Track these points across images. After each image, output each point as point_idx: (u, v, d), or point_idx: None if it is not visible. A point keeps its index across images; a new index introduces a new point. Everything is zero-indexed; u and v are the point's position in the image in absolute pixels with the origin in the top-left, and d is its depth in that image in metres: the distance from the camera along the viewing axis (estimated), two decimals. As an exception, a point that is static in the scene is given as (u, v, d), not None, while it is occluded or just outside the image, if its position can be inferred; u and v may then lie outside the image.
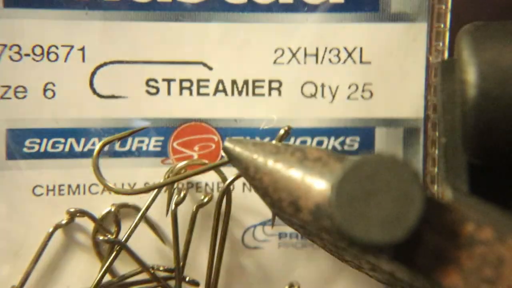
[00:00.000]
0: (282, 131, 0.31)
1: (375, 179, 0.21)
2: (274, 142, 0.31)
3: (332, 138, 0.35)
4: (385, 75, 0.34)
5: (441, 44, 0.34)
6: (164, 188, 0.34)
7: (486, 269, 0.21)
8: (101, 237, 0.33)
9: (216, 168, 0.31)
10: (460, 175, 0.26)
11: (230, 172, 0.33)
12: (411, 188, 0.21)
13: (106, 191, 0.34)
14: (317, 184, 0.24)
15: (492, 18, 0.34)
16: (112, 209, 0.33)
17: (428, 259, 0.22)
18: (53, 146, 0.33)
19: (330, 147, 0.35)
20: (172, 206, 0.33)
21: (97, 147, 0.31)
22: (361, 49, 0.34)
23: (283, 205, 0.25)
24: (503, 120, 0.24)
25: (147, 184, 0.34)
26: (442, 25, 0.34)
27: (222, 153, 0.28)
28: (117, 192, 0.31)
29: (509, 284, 0.21)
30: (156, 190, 0.33)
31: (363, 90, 0.35)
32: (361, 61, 0.34)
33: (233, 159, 0.27)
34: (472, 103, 0.25)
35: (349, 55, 0.34)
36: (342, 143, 0.35)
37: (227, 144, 0.27)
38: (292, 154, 0.25)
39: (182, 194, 0.33)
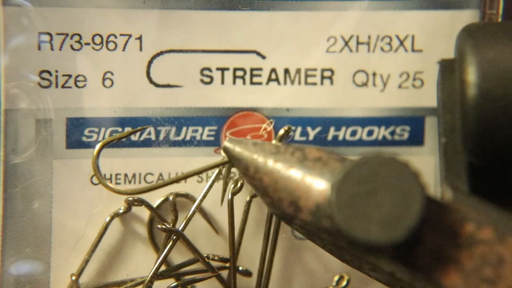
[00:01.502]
0: (282, 131, 0.32)
1: (375, 179, 0.21)
2: (274, 142, 0.32)
3: (383, 128, 0.35)
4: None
5: (494, 30, 0.34)
6: (219, 177, 0.34)
7: (486, 269, 0.21)
8: (159, 226, 0.33)
9: (215, 167, 0.31)
10: (460, 175, 0.26)
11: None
12: (411, 188, 0.21)
13: (162, 180, 0.34)
14: (317, 184, 0.24)
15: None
16: (170, 198, 0.33)
17: (428, 259, 0.22)
18: (111, 135, 0.34)
19: (380, 136, 0.35)
20: (229, 195, 0.33)
21: (97, 147, 0.31)
22: (413, 37, 0.35)
23: (283, 205, 0.25)
24: (503, 120, 0.24)
25: (200, 174, 0.34)
26: (495, 12, 0.34)
27: (222, 153, 0.28)
28: (118, 192, 0.32)
29: (509, 284, 0.21)
30: (211, 180, 0.33)
31: (414, 79, 0.35)
32: (412, 49, 0.35)
33: (233, 159, 0.27)
34: (472, 103, 0.25)
35: (401, 43, 0.35)
36: (392, 133, 0.35)
37: (227, 144, 0.27)
38: (292, 154, 0.25)
39: (239, 184, 0.33)
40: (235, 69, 0.34)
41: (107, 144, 0.32)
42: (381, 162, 0.22)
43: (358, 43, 0.35)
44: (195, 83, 0.34)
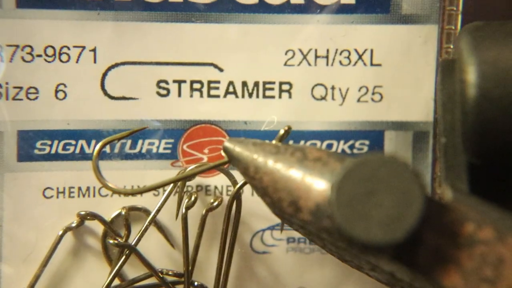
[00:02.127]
0: (282, 131, 0.31)
1: (375, 179, 0.21)
2: (274, 142, 0.31)
3: (342, 142, 0.35)
4: (396, 77, 0.34)
5: (451, 46, 0.34)
6: (174, 191, 0.34)
7: (486, 269, 0.21)
8: (111, 241, 0.32)
9: (215, 168, 0.31)
10: (460, 175, 0.26)
11: (239, 176, 0.33)
12: (411, 188, 0.21)
13: (116, 194, 0.34)
14: (317, 184, 0.24)
15: (503, 19, 0.34)
16: (123, 212, 0.33)
17: (428, 259, 0.22)
18: (64, 148, 0.33)
19: (339, 150, 0.35)
20: (183, 210, 0.33)
21: (97, 147, 0.31)
22: (371, 51, 0.34)
23: (283, 205, 0.25)
24: (503, 120, 0.24)
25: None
26: (453, 27, 0.34)
27: (223, 153, 0.28)
28: (118, 192, 0.31)
29: (509, 284, 0.21)
30: (166, 194, 0.33)
31: (373, 93, 0.35)
32: (371, 63, 0.35)
33: (233, 159, 0.27)
34: (472, 103, 0.25)
35: (360, 57, 0.34)
36: (352, 147, 0.35)
37: (227, 144, 0.27)
38: (292, 154, 0.25)
39: (192, 198, 0.33)
40: (192, 82, 0.34)
41: (107, 144, 0.32)
42: (381, 162, 0.22)
43: (316, 56, 0.34)
44: (152, 95, 0.34)
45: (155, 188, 0.31)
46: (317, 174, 0.24)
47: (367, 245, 0.21)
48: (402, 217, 0.21)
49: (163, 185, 0.31)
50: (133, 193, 0.31)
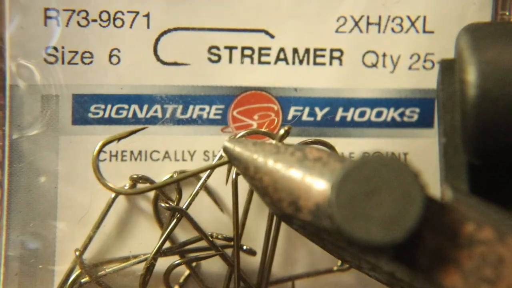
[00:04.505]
0: (282, 131, 0.31)
1: (375, 179, 0.21)
2: (274, 142, 0.31)
3: (392, 109, 0.35)
4: (449, 45, 0.34)
5: (507, 13, 0.34)
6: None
7: (486, 269, 0.21)
8: (162, 204, 0.33)
9: (215, 167, 0.31)
10: (460, 175, 0.26)
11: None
12: (411, 188, 0.21)
13: (167, 158, 0.34)
14: (317, 184, 0.24)
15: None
16: (174, 176, 0.33)
17: (428, 259, 0.22)
18: (117, 112, 0.34)
19: (389, 118, 0.35)
20: (233, 175, 0.33)
21: (97, 147, 0.31)
22: (424, 17, 0.34)
23: (283, 205, 0.25)
24: (503, 120, 0.24)
25: (206, 152, 0.34)
26: (508, -6, 0.34)
27: (222, 153, 0.28)
28: (118, 192, 0.32)
29: (509, 284, 0.21)
30: (217, 158, 0.34)
31: (425, 60, 0.34)
32: (424, 31, 0.34)
33: (233, 159, 0.27)
34: (472, 103, 0.25)
35: (412, 24, 0.34)
36: (402, 115, 0.35)
37: (227, 144, 0.27)
38: (292, 154, 0.25)
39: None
40: (243, 48, 0.34)
41: (106, 145, 0.32)
42: (381, 162, 0.22)
43: (368, 23, 0.34)
44: (203, 61, 0.34)
45: (155, 188, 0.32)
46: (317, 174, 0.24)
47: (367, 245, 0.21)
48: (402, 217, 0.21)
49: (165, 184, 0.32)
50: (133, 193, 0.32)
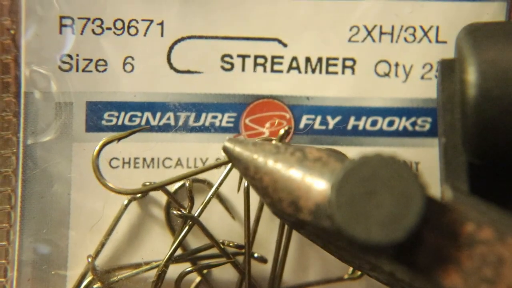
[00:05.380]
0: (282, 131, 0.31)
1: (375, 179, 0.21)
2: (274, 142, 0.31)
3: (404, 118, 0.35)
4: (461, 54, 0.34)
5: (520, 23, 0.34)
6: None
7: (486, 269, 0.21)
8: (174, 211, 0.33)
9: (216, 167, 0.32)
10: (460, 175, 0.26)
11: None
12: (411, 188, 0.21)
13: (180, 165, 0.34)
14: (317, 184, 0.24)
15: None
16: (187, 184, 0.34)
17: (428, 259, 0.22)
18: (130, 120, 0.34)
19: (400, 127, 0.35)
20: (245, 183, 0.33)
21: (96, 147, 0.32)
22: (437, 28, 0.34)
23: (283, 205, 0.25)
24: (503, 120, 0.24)
25: (218, 160, 0.35)
26: (522, 4, 0.34)
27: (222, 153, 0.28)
28: (118, 192, 0.32)
29: (509, 284, 0.21)
30: (229, 167, 0.34)
31: (437, 70, 0.34)
32: (437, 41, 0.34)
33: (233, 159, 0.27)
34: (472, 103, 0.25)
35: (425, 33, 0.34)
36: (414, 124, 0.35)
37: (227, 144, 0.27)
38: (292, 154, 0.25)
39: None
40: (256, 56, 0.34)
41: (107, 145, 0.32)
42: (381, 162, 0.22)
43: (381, 33, 0.34)
44: (216, 69, 0.34)
45: (156, 188, 0.32)
46: (317, 174, 0.24)
47: (367, 245, 0.21)
48: (402, 217, 0.21)
49: (165, 184, 0.32)
50: (134, 193, 0.32)
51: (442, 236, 0.22)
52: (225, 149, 0.27)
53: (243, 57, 0.34)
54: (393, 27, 0.34)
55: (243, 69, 0.34)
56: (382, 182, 0.21)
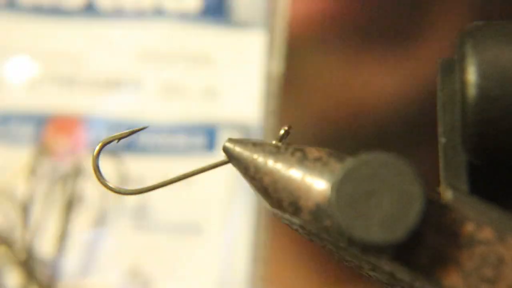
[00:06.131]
0: (282, 131, 0.31)
1: (375, 179, 0.22)
2: (274, 142, 0.31)
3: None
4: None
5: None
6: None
7: (486, 269, 0.22)
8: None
9: (215, 167, 0.31)
10: (460, 175, 0.26)
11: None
12: (411, 188, 0.22)
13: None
14: (317, 184, 0.25)
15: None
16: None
17: (428, 259, 0.22)
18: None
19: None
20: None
21: (97, 147, 0.31)
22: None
23: (283, 205, 0.25)
24: (503, 120, 0.25)
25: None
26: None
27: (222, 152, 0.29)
28: (118, 192, 0.31)
29: (509, 284, 0.22)
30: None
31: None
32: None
33: (233, 159, 0.27)
34: (472, 103, 0.25)
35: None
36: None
37: (227, 144, 0.28)
38: (292, 154, 0.26)
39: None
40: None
41: (107, 144, 0.31)
42: (381, 162, 0.22)
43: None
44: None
45: (156, 187, 0.31)
46: (317, 174, 0.25)
47: (367, 245, 0.22)
48: (402, 217, 0.21)
49: (164, 185, 0.31)
50: (134, 193, 0.32)
51: (442, 236, 0.22)
52: (225, 149, 0.27)
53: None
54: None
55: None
56: (382, 182, 0.22)
